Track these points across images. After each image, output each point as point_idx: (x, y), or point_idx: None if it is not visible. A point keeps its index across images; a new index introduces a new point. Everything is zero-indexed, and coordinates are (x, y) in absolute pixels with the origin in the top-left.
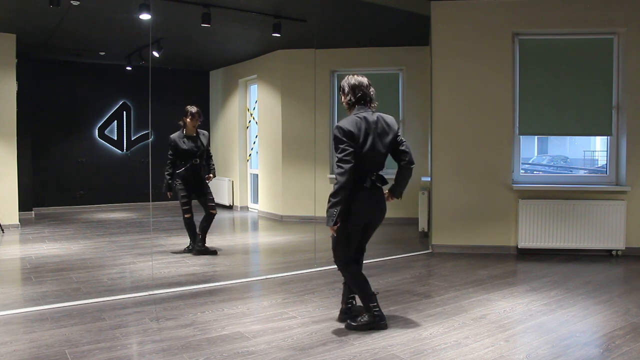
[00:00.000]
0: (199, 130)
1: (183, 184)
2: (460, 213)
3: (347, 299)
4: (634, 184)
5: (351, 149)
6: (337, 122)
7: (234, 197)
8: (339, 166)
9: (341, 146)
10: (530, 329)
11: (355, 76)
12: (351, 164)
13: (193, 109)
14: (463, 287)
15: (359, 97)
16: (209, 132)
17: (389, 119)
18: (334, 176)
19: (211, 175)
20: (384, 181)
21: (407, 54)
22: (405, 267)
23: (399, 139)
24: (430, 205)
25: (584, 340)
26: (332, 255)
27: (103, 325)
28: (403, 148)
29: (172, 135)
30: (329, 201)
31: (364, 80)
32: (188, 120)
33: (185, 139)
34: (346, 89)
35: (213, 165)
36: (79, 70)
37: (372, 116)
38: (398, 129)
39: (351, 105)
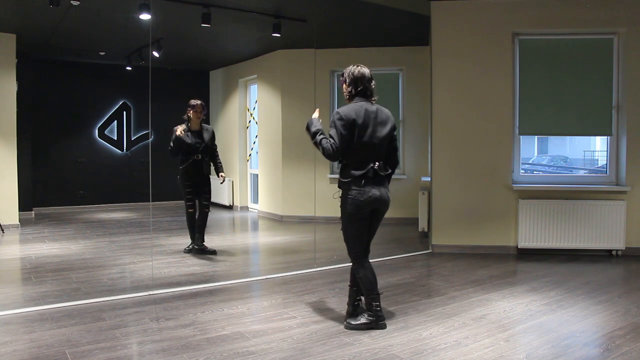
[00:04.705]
0: (203, 125)
1: (186, 179)
2: (460, 213)
3: (353, 301)
4: (634, 184)
5: (344, 133)
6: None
7: (234, 197)
8: (329, 147)
9: (333, 130)
10: (530, 329)
11: (359, 67)
12: (337, 148)
13: (196, 101)
14: (463, 287)
15: (360, 91)
16: None
17: (387, 111)
18: (334, 176)
19: (222, 174)
20: (387, 170)
21: (407, 54)
22: (405, 267)
23: (395, 133)
24: (430, 205)
25: (584, 340)
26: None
27: (103, 325)
28: (395, 144)
29: (175, 127)
30: (312, 136)
31: (366, 73)
32: (192, 113)
33: (189, 133)
34: (348, 80)
35: (220, 162)
36: (79, 70)
37: (371, 106)
38: (394, 124)
39: (351, 97)
